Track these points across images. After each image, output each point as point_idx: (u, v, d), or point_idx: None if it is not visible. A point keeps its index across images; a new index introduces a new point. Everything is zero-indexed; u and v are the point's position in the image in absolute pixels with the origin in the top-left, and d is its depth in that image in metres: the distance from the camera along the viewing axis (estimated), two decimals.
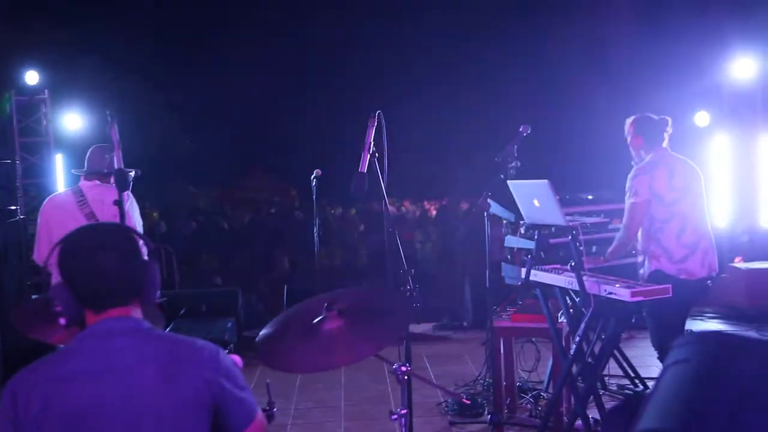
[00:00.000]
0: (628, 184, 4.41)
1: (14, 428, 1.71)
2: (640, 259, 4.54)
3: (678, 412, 0.88)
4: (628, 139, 4.60)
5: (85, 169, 4.42)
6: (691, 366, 0.92)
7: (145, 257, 1.95)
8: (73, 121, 9.08)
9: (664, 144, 4.48)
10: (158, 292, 2.00)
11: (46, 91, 8.85)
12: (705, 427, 0.87)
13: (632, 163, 4.62)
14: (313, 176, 6.88)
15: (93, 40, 12.60)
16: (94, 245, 1.85)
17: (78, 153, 4.74)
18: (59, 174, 8.83)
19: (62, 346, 2.46)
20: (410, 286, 3.17)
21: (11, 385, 1.76)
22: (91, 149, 4.48)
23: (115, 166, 3.18)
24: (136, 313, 1.91)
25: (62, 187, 8.45)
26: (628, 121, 4.62)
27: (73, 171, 4.57)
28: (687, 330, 3.96)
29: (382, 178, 3.27)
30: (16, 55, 9.70)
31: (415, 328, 7.48)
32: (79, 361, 1.78)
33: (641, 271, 4.51)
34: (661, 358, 4.50)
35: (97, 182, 4.37)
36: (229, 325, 6.91)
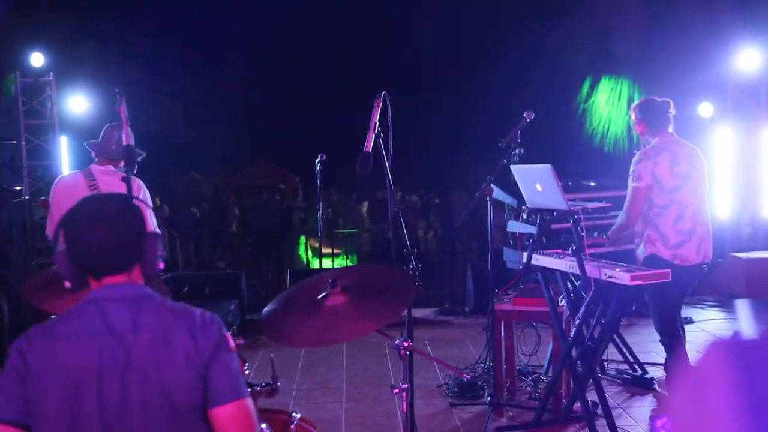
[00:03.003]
0: (631, 168, 4.44)
1: (23, 382, 1.78)
2: (636, 241, 4.58)
3: None
4: (634, 126, 4.64)
5: (97, 142, 4.34)
6: None
7: (150, 229, 1.98)
8: (78, 104, 9.10)
9: (670, 128, 4.50)
10: (160, 264, 2.03)
11: (51, 73, 8.86)
12: None
13: (634, 150, 4.66)
14: (317, 161, 6.91)
15: (98, 24, 12.61)
16: (89, 215, 1.89)
17: (83, 136, 4.73)
18: (64, 156, 8.87)
19: None
20: (413, 265, 3.22)
21: (17, 343, 1.83)
22: (105, 129, 4.39)
23: (124, 143, 3.20)
24: (137, 279, 1.95)
25: (67, 170, 8.48)
26: (633, 106, 4.66)
27: (85, 144, 4.48)
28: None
29: (387, 159, 3.31)
30: (21, 37, 9.69)
31: (417, 313, 7.53)
32: (78, 322, 1.84)
33: (637, 253, 4.55)
34: (663, 342, 4.55)
35: (111, 168, 4.31)
36: (232, 307, 6.96)
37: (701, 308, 7.44)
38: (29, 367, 1.78)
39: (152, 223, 3.79)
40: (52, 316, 2.88)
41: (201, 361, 1.85)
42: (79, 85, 9.32)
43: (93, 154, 4.39)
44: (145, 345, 1.82)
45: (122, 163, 4.37)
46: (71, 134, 8.85)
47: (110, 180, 4.24)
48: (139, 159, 3.74)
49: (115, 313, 1.84)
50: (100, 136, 4.38)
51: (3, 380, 1.80)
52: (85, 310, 1.86)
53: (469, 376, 5.19)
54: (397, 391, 2.78)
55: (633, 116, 4.61)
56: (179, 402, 1.82)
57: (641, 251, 4.49)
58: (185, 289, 5.69)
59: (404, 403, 2.82)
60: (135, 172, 3.39)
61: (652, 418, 4.63)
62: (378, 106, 3.29)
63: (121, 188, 4.17)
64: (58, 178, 4.43)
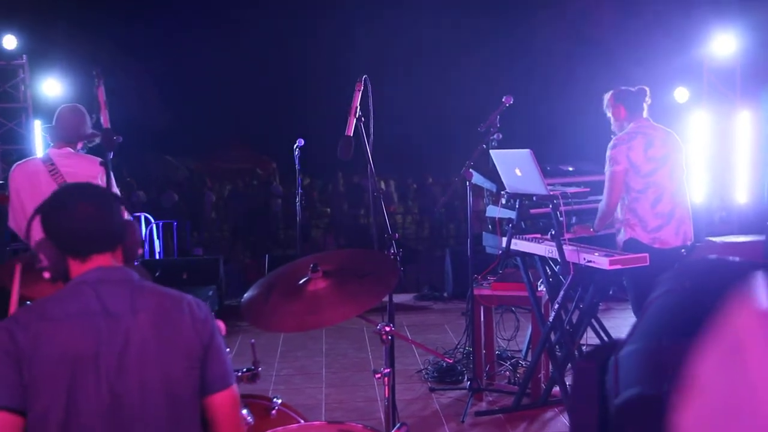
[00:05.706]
0: (607, 154, 4.45)
1: (16, 363, 1.71)
2: (616, 226, 4.60)
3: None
4: (609, 111, 4.63)
5: (53, 127, 4.17)
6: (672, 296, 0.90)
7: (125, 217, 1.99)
8: (51, 87, 8.96)
9: (644, 114, 4.53)
10: (140, 250, 2.02)
11: (24, 56, 8.72)
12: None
13: (611, 135, 4.67)
14: (295, 146, 6.87)
15: (71, 6, 12.41)
16: (73, 195, 1.89)
17: None
18: (38, 140, 8.74)
19: None
20: (394, 250, 3.21)
21: (5, 324, 1.76)
22: (60, 110, 4.21)
23: (103, 126, 3.15)
24: (119, 263, 1.93)
25: (41, 154, 8.37)
26: (607, 96, 4.65)
27: (42, 128, 4.34)
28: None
29: (368, 143, 3.29)
30: None
31: (395, 298, 7.52)
32: (74, 303, 1.80)
33: (618, 239, 4.58)
34: None
35: (69, 150, 4.15)
36: (210, 293, 6.92)
37: None
38: (21, 349, 1.72)
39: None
40: (27, 302, 2.85)
41: (201, 346, 1.86)
42: (52, 68, 9.17)
43: (49, 138, 4.23)
44: (144, 327, 1.81)
45: (80, 145, 4.27)
46: (45, 118, 8.71)
47: (70, 162, 4.09)
48: (118, 140, 3.66)
49: (110, 295, 1.82)
50: (56, 120, 4.19)
51: None
52: (78, 291, 1.83)
53: (451, 360, 5.21)
54: (379, 376, 2.78)
55: (611, 102, 4.60)
56: (177, 385, 1.82)
57: (621, 236, 4.51)
58: (156, 273, 5.62)
59: (386, 388, 2.83)
60: (112, 156, 3.34)
61: None
62: (359, 90, 3.28)
63: (83, 169, 4.11)
64: (15, 165, 4.23)
